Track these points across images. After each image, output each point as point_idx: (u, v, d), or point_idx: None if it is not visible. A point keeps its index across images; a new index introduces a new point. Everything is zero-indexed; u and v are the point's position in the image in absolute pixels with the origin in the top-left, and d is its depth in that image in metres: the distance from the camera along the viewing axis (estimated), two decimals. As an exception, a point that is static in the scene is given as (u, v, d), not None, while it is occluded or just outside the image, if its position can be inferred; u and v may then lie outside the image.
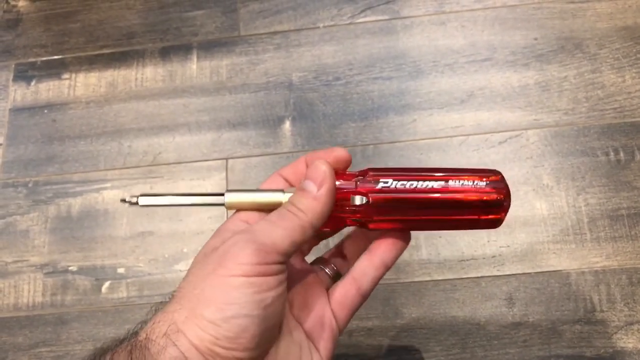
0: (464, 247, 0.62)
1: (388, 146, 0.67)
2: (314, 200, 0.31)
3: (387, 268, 0.35)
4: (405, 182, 0.32)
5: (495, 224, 0.33)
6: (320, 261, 0.39)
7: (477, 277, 0.61)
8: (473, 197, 0.32)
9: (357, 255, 0.37)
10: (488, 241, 0.62)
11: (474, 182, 0.32)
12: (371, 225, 0.34)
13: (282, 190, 0.33)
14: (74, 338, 0.63)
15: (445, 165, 0.65)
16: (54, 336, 0.63)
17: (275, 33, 0.74)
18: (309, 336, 0.33)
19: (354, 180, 0.33)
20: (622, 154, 0.64)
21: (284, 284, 0.30)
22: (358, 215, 0.33)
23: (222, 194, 0.33)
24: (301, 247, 0.35)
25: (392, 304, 0.61)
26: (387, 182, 0.32)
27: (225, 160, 0.68)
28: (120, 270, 0.65)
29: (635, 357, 0.57)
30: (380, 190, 0.32)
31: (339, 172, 0.34)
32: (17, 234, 0.68)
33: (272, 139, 0.69)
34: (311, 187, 0.32)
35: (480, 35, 0.71)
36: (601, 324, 0.59)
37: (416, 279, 0.61)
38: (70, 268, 0.66)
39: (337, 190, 0.32)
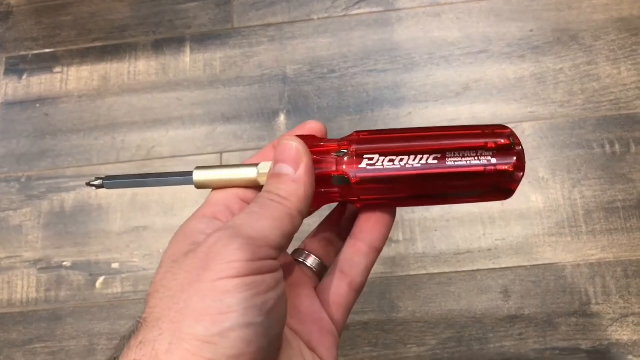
0: (460, 240, 0.62)
1: (383, 139, 0.67)
2: (293, 183, 0.27)
3: (379, 251, 0.30)
4: (394, 157, 0.28)
5: (505, 196, 0.28)
6: (298, 253, 0.33)
7: (473, 271, 0.61)
8: (476, 171, 0.27)
9: (341, 235, 0.32)
10: (484, 234, 0.62)
11: (477, 152, 0.27)
12: (358, 204, 0.30)
13: (255, 165, 0.29)
14: (69, 334, 0.63)
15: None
16: (48, 332, 0.63)
17: (269, 25, 0.73)
18: (308, 345, 0.29)
19: (334, 156, 0.28)
20: (617, 147, 0.64)
21: (282, 284, 0.25)
22: (341, 195, 0.29)
23: (191, 172, 0.29)
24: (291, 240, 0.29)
25: (388, 297, 0.61)
26: (372, 159, 0.28)
27: (219, 154, 0.68)
28: (115, 266, 0.65)
29: (631, 349, 0.58)
30: (365, 170, 0.28)
31: (317, 140, 0.29)
32: (10, 230, 0.67)
33: (267, 132, 0.68)
34: (286, 169, 0.27)
35: (475, 27, 0.71)
36: (596, 317, 0.59)
37: (412, 273, 0.61)
38: (64, 263, 0.65)
39: (315, 169, 0.28)
